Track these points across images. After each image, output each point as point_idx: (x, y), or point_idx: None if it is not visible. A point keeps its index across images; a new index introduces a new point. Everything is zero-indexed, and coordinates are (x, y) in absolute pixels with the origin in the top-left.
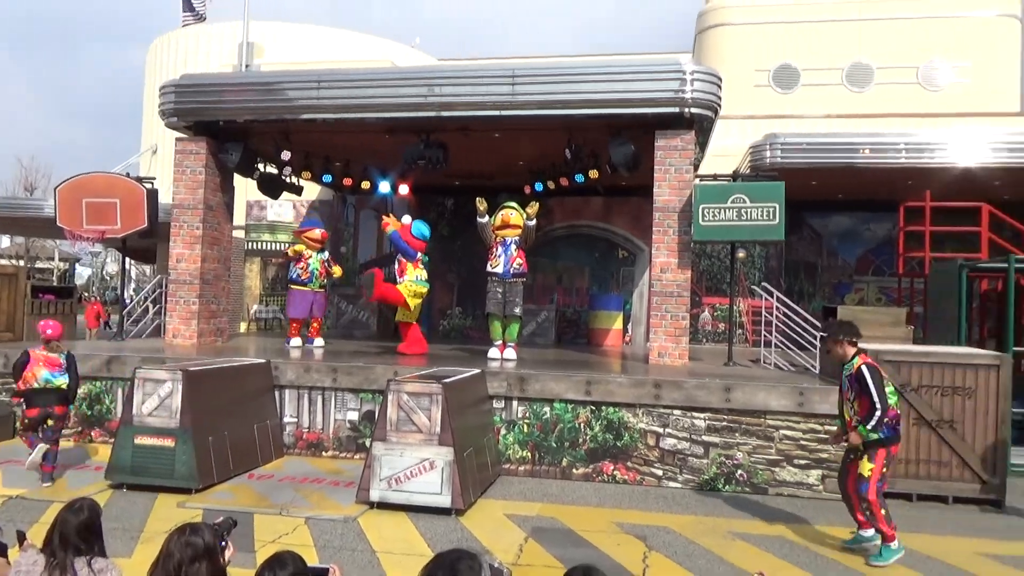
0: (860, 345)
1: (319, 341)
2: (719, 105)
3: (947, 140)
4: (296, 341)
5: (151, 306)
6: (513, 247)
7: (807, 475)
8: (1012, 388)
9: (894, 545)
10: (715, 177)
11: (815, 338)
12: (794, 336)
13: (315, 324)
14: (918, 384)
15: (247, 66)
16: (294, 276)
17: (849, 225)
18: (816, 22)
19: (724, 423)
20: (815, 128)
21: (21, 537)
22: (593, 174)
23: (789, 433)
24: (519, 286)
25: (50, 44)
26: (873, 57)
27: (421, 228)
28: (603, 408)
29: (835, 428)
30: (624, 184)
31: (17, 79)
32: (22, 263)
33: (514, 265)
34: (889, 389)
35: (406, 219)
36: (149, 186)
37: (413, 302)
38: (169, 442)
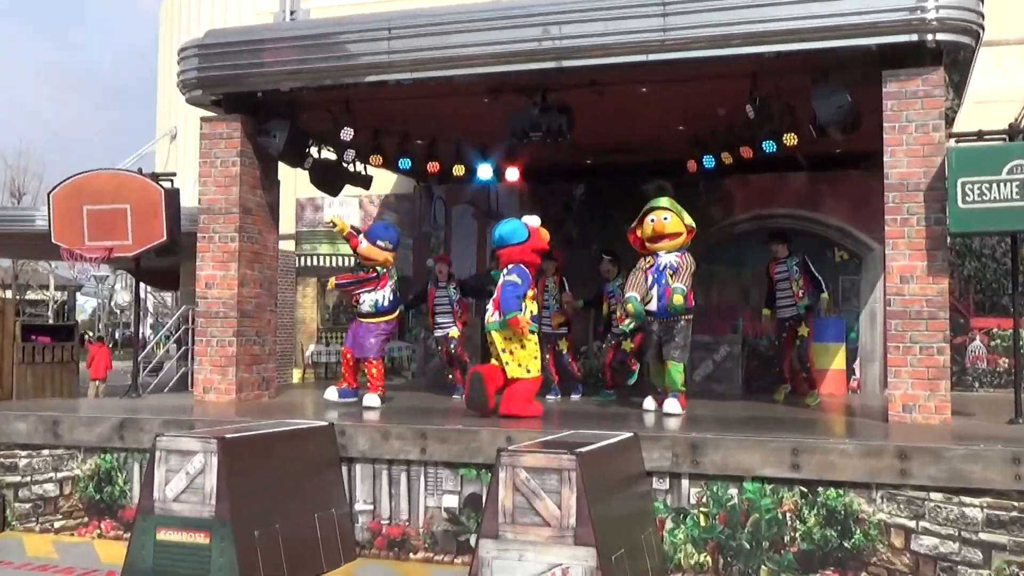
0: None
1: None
2: (981, 27)
3: None
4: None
5: (174, 348)
6: (669, 271)
7: None
8: None
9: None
10: (980, 135)
11: None
12: None
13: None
14: None
15: (292, 14)
16: None
17: None
18: None
19: (1014, 513)
20: None
21: None
22: (790, 139)
23: None
24: (682, 323)
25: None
26: None
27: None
28: (820, 489)
29: None
30: (838, 152)
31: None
32: (8, 294)
33: (672, 300)
34: None
35: (533, 220)
36: (168, 185)
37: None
38: (202, 538)
